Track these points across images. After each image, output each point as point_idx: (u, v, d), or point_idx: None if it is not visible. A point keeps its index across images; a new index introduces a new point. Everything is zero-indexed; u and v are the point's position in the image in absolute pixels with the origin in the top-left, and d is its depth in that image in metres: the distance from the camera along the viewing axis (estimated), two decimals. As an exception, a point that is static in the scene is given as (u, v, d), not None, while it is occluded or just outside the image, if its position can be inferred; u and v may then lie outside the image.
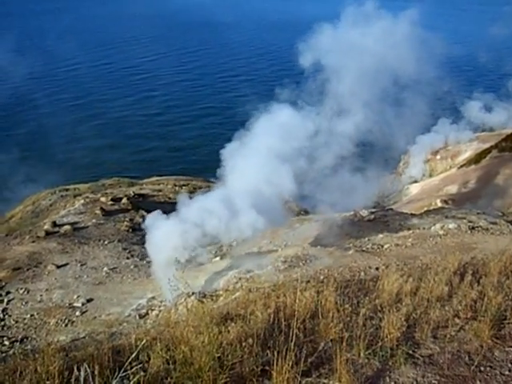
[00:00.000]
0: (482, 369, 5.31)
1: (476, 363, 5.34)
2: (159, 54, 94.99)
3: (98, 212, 23.62)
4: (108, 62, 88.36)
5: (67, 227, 21.26)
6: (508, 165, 34.64)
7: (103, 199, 25.52)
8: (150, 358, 4.96)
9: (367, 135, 20.84)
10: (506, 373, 5.25)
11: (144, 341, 5.30)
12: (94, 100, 67.32)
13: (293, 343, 4.98)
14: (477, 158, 38.39)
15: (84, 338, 10.92)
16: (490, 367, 5.34)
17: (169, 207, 18.30)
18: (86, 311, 14.18)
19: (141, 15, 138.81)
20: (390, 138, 31.22)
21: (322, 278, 9.67)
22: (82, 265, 17.95)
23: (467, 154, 42.01)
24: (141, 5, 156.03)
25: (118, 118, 61.43)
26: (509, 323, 6.14)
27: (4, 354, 10.38)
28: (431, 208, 27.64)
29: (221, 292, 12.53)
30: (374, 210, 22.62)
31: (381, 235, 16.80)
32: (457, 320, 6.25)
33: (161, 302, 14.26)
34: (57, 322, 13.25)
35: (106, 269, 17.53)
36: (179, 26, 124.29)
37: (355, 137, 19.19)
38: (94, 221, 22.67)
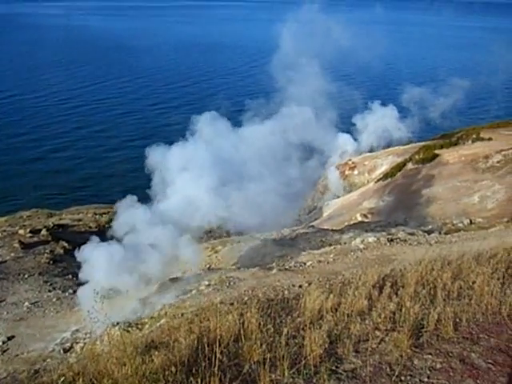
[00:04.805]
0: (403, 378, 5.45)
1: (397, 373, 5.48)
2: (79, 81, 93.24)
3: (16, 245, 22.96)
4: (21, 88, 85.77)
5: (-17, 263, 20.49)
6: (423, 176, 35.88)
7: (21, 232, 24.83)
8: (72, 395, 4.82)
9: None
10: (425, 380, 5.42)
11: (65, 377, 5.14)
12: (5, 127, 65.01)
13: (216, 368, 4.96)
14: (393, 172, 39.44)
15: (5, 378, 10.52)
16: (410, 376, 5.50)
17: (89, 237, 17.96)
18: (7, 349, 13.69)
19: (63, 41, 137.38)
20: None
21: (246, 299, 9.67)
22: (1, 301, 17.34)
23: (383, 168, 43.04)
24: (61, 32, 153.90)
25: (34, 146, 59.55)
26: (426, 331, 6.35)
27: None
28: (351, 223, 28.26)
29: (146, 320, 12.33)
30: (295, 228, 22.96)
31: (303, 253, 17.03)
32: (377, 332, 6.39)
33: (85, 334, 13.91)
34: (-25, 364, 12.68)
35: (27, 303, 17.01)
36: (98, 52, 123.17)
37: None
38: (12, 254, 21.99)
